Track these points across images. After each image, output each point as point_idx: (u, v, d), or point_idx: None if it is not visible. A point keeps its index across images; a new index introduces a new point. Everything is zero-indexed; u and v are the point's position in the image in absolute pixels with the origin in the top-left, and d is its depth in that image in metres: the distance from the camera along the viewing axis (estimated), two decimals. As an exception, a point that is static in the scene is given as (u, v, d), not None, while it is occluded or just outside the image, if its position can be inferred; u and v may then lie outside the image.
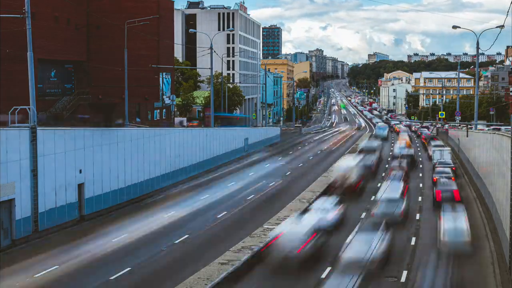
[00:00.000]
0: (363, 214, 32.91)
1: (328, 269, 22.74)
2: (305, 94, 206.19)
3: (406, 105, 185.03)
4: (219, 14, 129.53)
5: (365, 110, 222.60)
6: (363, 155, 49.37)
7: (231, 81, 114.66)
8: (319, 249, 24.49)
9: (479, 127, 51.59)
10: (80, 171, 31.98)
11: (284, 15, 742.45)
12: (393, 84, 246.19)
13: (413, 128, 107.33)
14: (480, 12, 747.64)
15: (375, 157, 51.55)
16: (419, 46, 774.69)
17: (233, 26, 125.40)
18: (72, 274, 23.42)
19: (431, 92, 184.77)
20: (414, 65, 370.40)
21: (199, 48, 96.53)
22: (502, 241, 25.71)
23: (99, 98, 60.04)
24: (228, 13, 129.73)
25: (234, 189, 43.00)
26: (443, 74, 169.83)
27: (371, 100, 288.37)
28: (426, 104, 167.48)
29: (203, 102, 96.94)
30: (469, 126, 50.01)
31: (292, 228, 24.44)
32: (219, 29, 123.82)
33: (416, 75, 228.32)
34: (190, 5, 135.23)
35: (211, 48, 57.23)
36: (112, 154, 35.29)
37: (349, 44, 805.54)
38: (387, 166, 52.73)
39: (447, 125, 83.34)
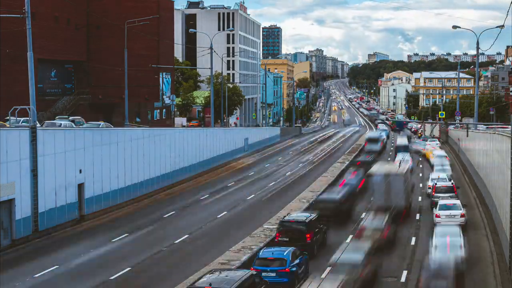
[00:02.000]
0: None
1: None
2: (305, 94, 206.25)
3: (406, 105, 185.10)
4: (219, 14, 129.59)
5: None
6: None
7: (231, 81, 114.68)
8: None
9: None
10: (80, 171, 31.97)
11: (270, 13, 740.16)
12: (393, 84, 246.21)
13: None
14: (469, 9, 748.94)
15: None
16: (414, 45, 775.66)
17: (233, 26, 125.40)
18: (72, 274, 23.43)
19: (431, 92, 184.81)
20: (414, 65, 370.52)
21: (199, 48, 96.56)
22: (502, 241, 25.72)
23: (99, 98, 60.09)
24: (228, 13, 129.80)
25: (233, 188, 43.05)
26: (443, 74, 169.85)
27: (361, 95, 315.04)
28: (426, 104, 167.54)
29: (203, 102, 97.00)
30: (469, 126, 49.98)
31: None
32: (219, 29, 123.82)
33: (416, 75, 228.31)
34: (190, 5, 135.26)
35: (211, 48, 57.24)
36: (112, 154, 35.28)
37: (340, 42, 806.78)
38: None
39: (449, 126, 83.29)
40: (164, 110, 72.90)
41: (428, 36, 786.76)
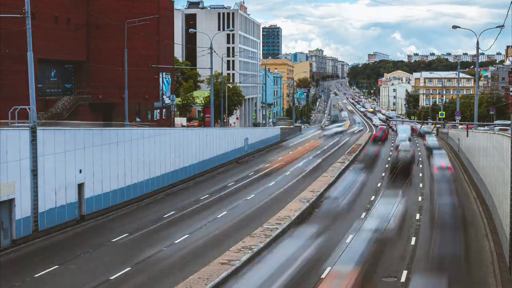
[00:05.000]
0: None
1: None
2: (305, 94, 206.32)
3: (406, 105, 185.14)
4: (219, 14, 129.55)
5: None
6: None
7: (231, 81, 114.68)
8: None
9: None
10: (80, 171, 31.98)
11: (254, 12, 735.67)
12: (393, 84, 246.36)
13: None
14: (462, 5, 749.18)
15: None
16: (407, 44, 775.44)
17: (233, 26, 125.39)
18: (72, 274, 23.43)
19: (431, 92, 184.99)
20: (414, 65, 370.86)
21: (199, 48, 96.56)
22: (502, 241, 25.73)
23: (99, 98, 60.07)
24: (228, 13, 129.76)
25: (233, 188, 43.06)
26: (443, 74, 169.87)
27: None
28: (426, 104, 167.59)
29: (203, 102, 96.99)
30: (469, 126, 50.00)
31: None
32: (219, 29, 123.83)
33: (416, 75, 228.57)
34: (190, 5, 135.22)
35: (211, 48, 57.23)
36: (112, 154, 35.28)
37: (324, 40, 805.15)
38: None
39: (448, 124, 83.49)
40: (164, 110, 72.88)
41: (416, 33, 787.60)
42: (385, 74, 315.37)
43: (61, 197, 30.36)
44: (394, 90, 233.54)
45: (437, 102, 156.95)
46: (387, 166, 53.47)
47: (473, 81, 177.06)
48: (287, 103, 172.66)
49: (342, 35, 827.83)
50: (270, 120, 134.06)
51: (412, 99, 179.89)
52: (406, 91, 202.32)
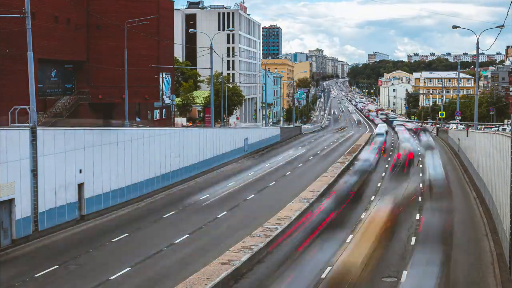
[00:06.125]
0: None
1: None
2: (305, 94, 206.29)
3: (406, 105, 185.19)
4: (219, 14, 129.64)
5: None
6: None
7: (231, 81, 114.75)
8: None
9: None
10: (80, 171, 31.97)
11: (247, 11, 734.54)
12: (393, 84, 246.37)
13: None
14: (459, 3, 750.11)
15: None
16: (404, 42, 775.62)
17: (233, 26, 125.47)
18: (72, 274, 23.42)
19: (431, 92, 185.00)
20: (414, 65, 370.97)
21: (199, 48, 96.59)
22: (502, 241, 25.72)
23: (99, 98, 60.11)
24: (228, 13, 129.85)
25: (233, 188, 43.05)
26: (443, 74, 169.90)
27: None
28: (426, 104, 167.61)
29: (203, 102, 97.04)
30: (469, 126, 49.99)
31: None
32: (219, 29, 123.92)
33: (416, 75, 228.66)
34: (190, 5, 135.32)
35: (211, 48, 57.25)
36: (112, 154, 35.28)
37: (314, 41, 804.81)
38: None
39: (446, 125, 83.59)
40: (164, 110, 72.92)
41: (413, 32, 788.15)
42: (385, 74, 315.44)
43: (61, 197, 30.35)
44: (394, 90, 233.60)
45: (437, 102, 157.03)
46: (387, 166, 53.56)
47: (473, 81, 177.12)
48: (287, 103, 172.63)
49: (336, 34, 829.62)
50: (270, 120, 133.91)
51: (412, 99, 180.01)
52: (406, 91, 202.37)
